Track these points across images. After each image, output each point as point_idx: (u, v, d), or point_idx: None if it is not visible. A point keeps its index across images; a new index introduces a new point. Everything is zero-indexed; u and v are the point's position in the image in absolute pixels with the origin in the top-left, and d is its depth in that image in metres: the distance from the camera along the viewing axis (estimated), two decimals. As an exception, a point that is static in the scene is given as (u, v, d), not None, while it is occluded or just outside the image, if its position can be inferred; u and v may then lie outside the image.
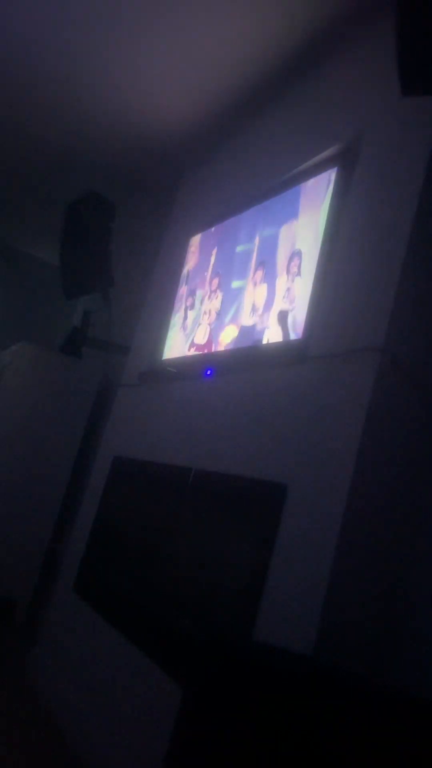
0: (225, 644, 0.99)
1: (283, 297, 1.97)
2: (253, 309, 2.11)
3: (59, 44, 2.56)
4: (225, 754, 0.76)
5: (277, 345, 1.92)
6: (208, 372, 2.17)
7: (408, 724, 0.83)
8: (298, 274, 1.94)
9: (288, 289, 1.96)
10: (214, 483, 1.89)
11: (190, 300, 2.60)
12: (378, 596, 1.46)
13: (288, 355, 1.82)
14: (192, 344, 2.42)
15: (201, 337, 2.38)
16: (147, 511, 2.34)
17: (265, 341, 1.99)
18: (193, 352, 2.40)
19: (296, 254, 1.98)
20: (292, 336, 1.86)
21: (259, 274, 2.15)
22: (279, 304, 1.98)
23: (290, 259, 2.00)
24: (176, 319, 2.65)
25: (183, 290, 2.69)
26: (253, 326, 2.07)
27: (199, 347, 2.37)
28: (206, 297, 2.45)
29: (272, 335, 1.97)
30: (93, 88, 2.80)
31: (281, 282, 2.01)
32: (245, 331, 2.11)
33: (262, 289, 2.09)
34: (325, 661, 1.27)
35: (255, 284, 2.14)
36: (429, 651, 1.39)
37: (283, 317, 1.93)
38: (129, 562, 2.31)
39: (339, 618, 1.36)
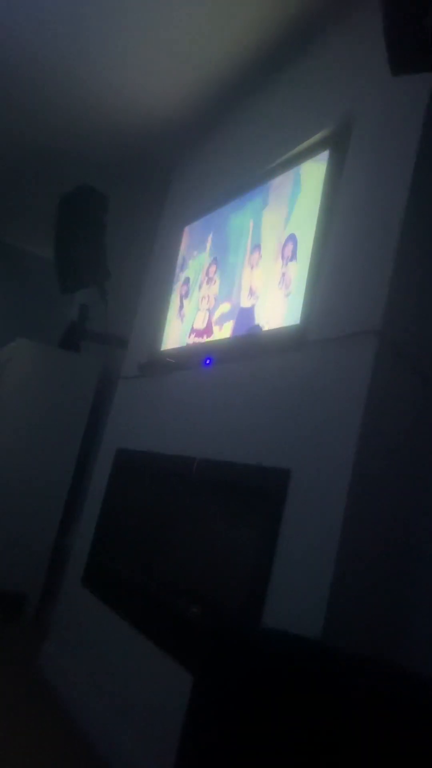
0: (233, 630, 1.00)
1: (279, 282, 1.96)
2: (251, 292, 2.10)
3: (47, 36, 2.54)
4: (236, 739, 0.77)
5: (275, 331, 1.92)
6: (208, 361, 2.17)
7: (419, 703, 0.84)
8: (292, 258, 1.93)
9: (283, 274, 1.96)
10: (218, 471, 1.90)
11: (184, 288, 2.59)
12: (385, 577, 1.47)
13: (286, 340, 1.82)
14: (192, 330, 2.42)
15: (200, 323, 2.37)
16: (152, 502, 2.36)
17: (262, 324, 1.99)
18: (193, 338, 2.39)
19: (290, 239, 1.98)
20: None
21: (255, 256, 2.14)
22: (275, 289, 1.97)
23: (284, 244, 2.00)
24: (172, 309, 2.65)
25: (179, 279, 2.68)
26: (251, 308, 2.07)
27: (198, 333, 2.36)
28: (204, 283, 2.44)
29: (270, 318, 1.96)
30: (82, 79, 2.77)
31: (276, 267, 2.00)
32: (243, 313, 2.10)
33: (259, 272, 2.09)
34: (334, 644, 1.28)
35: (252, 267, 2.14)
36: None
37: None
38: (136, 553, 2.33)
39: (347, 600, 1.37)
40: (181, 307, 2.58)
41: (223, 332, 2.21)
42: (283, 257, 1.98)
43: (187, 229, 2.74)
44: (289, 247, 1.97)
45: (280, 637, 0.99)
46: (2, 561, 3.24)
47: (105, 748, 1.91)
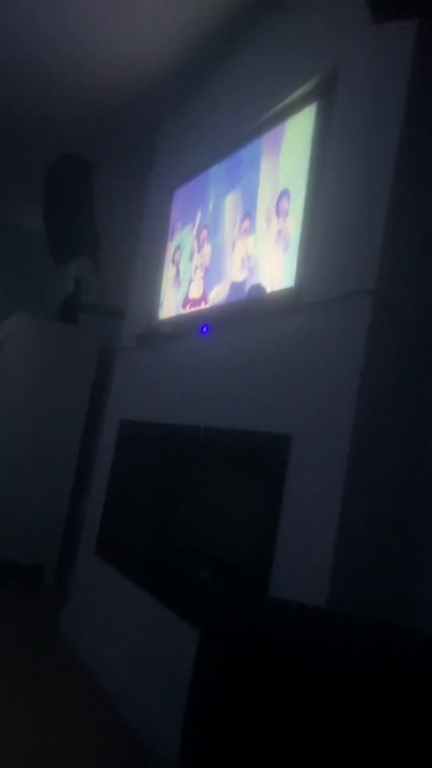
0: (237, 601, 1.03)
1: (276, 240, 1.92)
2: (243, 262, 2.07)
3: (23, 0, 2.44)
4: (242, 706, 0.80)
5: (269, 295, 1.90)
6: (205, 329, 2.16)
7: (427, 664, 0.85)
8: (289, 214, 1.89)
9: (279, 231, 1.92)
10: (222, 439, 1.91)
11: (177, 255, 2.56)
12: (389, 539, 1.50)
13: (281, 304, 1.80)
14: (186, 300, 2.40)
15: (195, 292, 2.35)
16: (158, 471, 2.39)
17: (263, 282, 1.95)
18: (188, 309, 2.38)
19: (284, 193, 1.93)
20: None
21: (247, 222, 2.10)
22: (273, 249, 1.93)
23: (279, 199, 1.95)
24: (167, 277, 2.62)
25: (170, 246, 2.64)
26: (244, 281, 2.04)
27: (194, 302, 2.34)
28: (196, 251, 2.41)
29: (269, 277, 1.93)
30: (60, 41, 2.67)
31: (272, 226, 1.96)
32: (236, 286, 2.08)
33: (251, 240, 2.05)
34: (340, 607, 1.31)
35: (245, 233, 2.10)
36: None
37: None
38: (145, 521, 2.38)
39: (351, 561, 1.40)
40: (177, 274, 2.55)
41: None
42: (279, 213, 1.94)
43: (176, 193, 2.69)
44: (285, 201, 1.93)
45: (284, 605, 1.02)
46: (19, 535, 3.32)
47: (122, 703, 2.00)
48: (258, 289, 1.96)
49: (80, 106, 3.11)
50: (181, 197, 2.65)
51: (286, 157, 1.97)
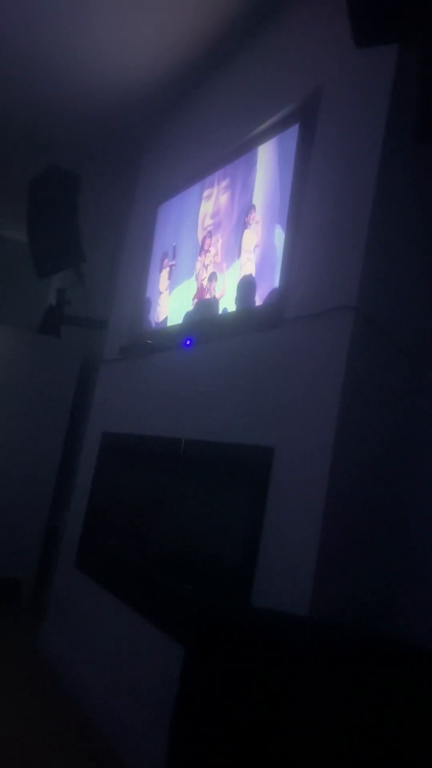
0: (223, 606, 1.03)
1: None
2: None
3: (9, 10, 2.45)
4: (228, 717, 0.80)
5: (253, 310, 1.92)
6: (188, 342, 2.17)
7: (411, 675, 0.86)
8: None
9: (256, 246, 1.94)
10: (204, 451, 1.92)
11: (168, 262, 2.53)
12: (370, 550, 1.52)
13: (265, 319, 1.82)
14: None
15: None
16: (140, 483, 2.38)
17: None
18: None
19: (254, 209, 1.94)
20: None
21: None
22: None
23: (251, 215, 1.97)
24: (160, 285, 2.59)
25: (164, 256, 2.61)
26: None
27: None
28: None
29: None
30: (47, 54, 2.69)
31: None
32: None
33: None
34: (322, 617, 1.31)
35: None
36: (423, 600, 1.45)
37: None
38: (127, 534, 2.36)
39: (333, 573, 1.41)
40: (170, 280, 2.51)
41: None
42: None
43: (160, 208, 2.71)
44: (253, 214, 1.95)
45: (267, 615, 1.02)
46: (-4, 548, 3.26)
47: (103, 722, 1.97)
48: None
49: (65, 119, 3.14)
50: (167, 210, 2.66)
51: (267, 175, 2.01)
